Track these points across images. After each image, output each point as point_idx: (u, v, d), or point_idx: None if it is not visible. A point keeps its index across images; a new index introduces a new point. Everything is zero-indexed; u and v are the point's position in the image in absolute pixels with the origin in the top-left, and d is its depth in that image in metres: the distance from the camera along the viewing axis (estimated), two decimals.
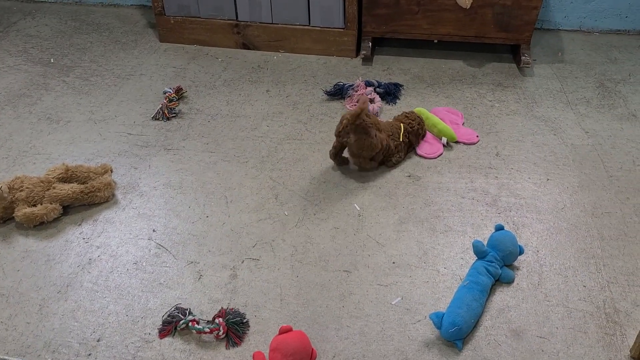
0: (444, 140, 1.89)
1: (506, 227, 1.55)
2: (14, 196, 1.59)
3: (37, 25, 2.72)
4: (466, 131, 1.94)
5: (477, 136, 1.93)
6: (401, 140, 1.81)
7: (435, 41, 2.37)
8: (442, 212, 1.65)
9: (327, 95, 2.16)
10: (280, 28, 2.41)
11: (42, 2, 2.94)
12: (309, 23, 2.38)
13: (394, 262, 1.50)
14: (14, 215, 1.59)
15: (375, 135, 1.69)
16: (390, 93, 2.13)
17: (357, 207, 1.68)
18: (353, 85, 2.15)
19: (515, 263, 1.49)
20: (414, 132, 1.85)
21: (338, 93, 2.15)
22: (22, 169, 1.82)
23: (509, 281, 1.44)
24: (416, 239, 1.57)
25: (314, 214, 1.66)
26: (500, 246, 1.43)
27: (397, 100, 2.14)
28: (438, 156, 1.86)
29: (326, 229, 1.61)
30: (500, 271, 1.42)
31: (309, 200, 1.71)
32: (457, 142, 1.92)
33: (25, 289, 1.42)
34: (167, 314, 1.34)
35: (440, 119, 1.95)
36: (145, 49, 2.53)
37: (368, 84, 2.15)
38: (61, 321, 1.33)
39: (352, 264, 1.50)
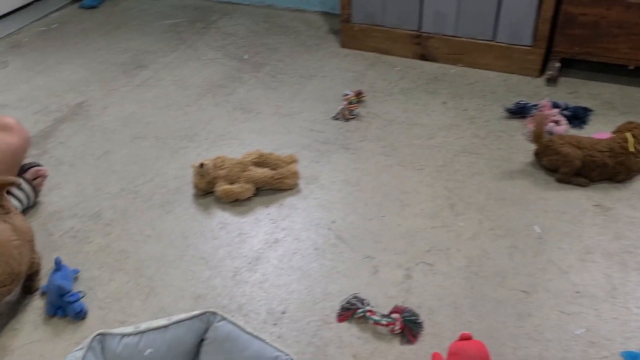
0: None
1: None
2: (215, 173, 1.77)
3: (234, 24, 3.00)
4: None
5: None
6: (632, 150, 1.72)
7: (631, 67, 2.21)
8: (636, 248, 1.54)
9: (508, 112, 2.12)
10: (463, 42, 2.41)
11: (238, 4, 3.24)
12: (494, 38, 2.35)
13: (578, 292, 1.43)
14: (214, 190, 1.77)
15: (569, 153, 1.70)
16: (578, 117, 2.04)
17: (537, 229, 1.63)
18: (538, 104, 2.08)
19: None
20: None
21: (520, 111, 2.10)
22: (219, 150, 2.02)
23: None
24: (604, 271, 1.48)
25: (490, 230, 1.64)
26: None
27: (585, 125, 2.03)
28: None
29: (503, 246, 1.58)
30: None
31: (485, 215, 1.69)
32: None
33: (222, 256, 1.57)
34: (345, 301, 1.40)
35: None
36: (327, 52, 2.67)
37: (554, 105, 2.08)
38: (251, 290, 1.46)
39: (531, 286, 1.46)
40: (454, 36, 2.42)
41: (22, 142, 1.61)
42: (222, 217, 1.72)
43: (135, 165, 1.95)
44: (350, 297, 1.42)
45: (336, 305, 1.42)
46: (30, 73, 2.57)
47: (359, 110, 2.22)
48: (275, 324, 1.37)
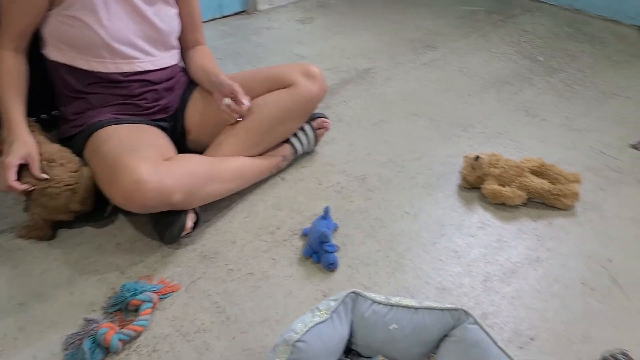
0: None
1: None
2: (488, 170, 1.67)
3: (533, 23, 2.80)
4: None
5: None
6: None
7: None
8: None
9: None
10: None
11: (542, 2, 3.02)
12: None
13: None
14: (481, 186, 1.68)
15: None
16: None
17: None
18: None
19: None
20: None
21: None
22: (493, 147, 1.90)
23: None
24: None
25: None
26: None
27: None
28: None
29: None
30: None
31: None
32: None
33: (475, 257, 1.48)
34: (609, 353, 1.20)
35: None
36: (638, 72, 2.32)
37: None
38: (501, 302, 1.34)
39: None
40: None
41: (320, 92, 1.72)
42: (483, 216, 1.62)
43: (406, 140, 1.96)
44: (617, 351, 1.20)
45: (595, 352, 1.22)
46: (330, 32, 2.77)
47: None
48: (520, 348, 1.23)
